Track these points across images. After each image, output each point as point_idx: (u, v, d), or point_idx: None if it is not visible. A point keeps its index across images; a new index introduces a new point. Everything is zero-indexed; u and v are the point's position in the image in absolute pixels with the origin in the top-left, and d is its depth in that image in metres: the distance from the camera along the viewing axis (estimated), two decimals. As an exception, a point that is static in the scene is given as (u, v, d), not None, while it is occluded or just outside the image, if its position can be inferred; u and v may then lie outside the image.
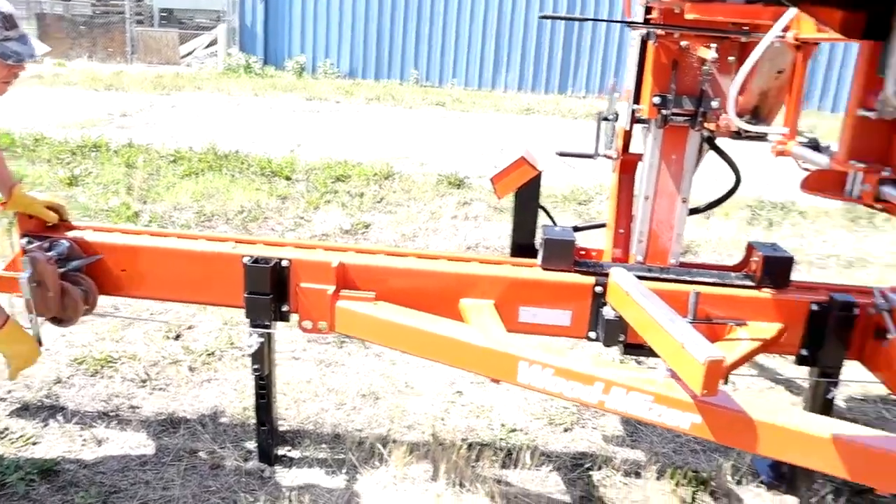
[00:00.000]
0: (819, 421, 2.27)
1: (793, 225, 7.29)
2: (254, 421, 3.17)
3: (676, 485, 3.13)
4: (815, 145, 2.30)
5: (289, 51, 17.79)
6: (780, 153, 2.42)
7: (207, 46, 19.58)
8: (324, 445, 3.26)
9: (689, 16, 2.45)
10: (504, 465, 3.20)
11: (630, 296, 2.56)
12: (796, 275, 5.89)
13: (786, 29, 2.33)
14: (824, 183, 2.11)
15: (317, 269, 2.83)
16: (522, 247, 3.07)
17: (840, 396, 4.01)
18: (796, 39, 2.29)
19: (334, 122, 11.83)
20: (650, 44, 2.76)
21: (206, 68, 17.77)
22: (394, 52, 17.71)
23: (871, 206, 2.02)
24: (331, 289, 2.79)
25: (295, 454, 3.19)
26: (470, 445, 3.25)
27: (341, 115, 12.60)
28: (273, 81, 15.68)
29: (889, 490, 2.32)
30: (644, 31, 2.73)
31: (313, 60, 17.75)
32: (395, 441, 3.27)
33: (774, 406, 2.37)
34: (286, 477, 3.03)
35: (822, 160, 2.16)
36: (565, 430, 3.52)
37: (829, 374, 2.87)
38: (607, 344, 2.79)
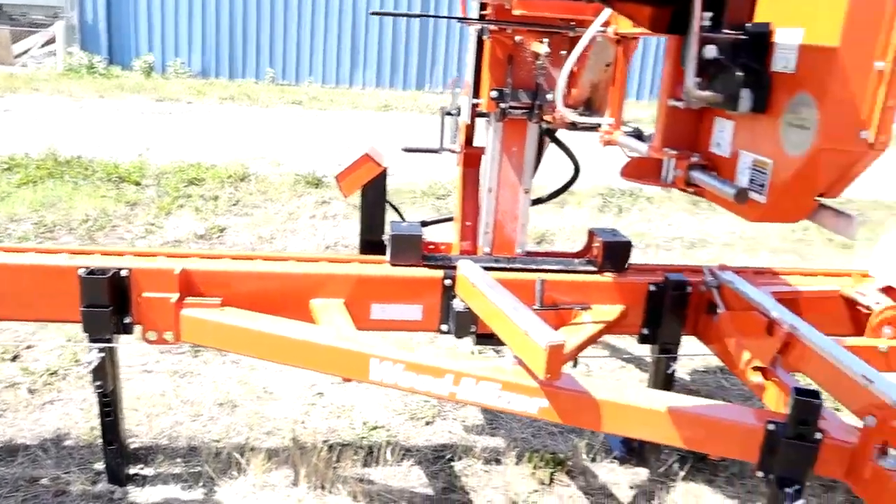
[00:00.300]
0: (657, 396, 2.40)
1: (640, 210, 7.65)
2: (101, 441, 3.01)
3: (535, 467, 3.22)
4: (638, 134, 2.42)
5: (136, 50, 16.96)
6: (607, 143, 2.54)
7: (44, 45, 18.39)
8: (179, 460, 3.14)
9: (516, 11, 2.51)
10: (366, 464, 3.19)
11: (477, 287, 2.60)
12: (646, 257, 6.23)
13: (606, 24, 2.43)
14: (642, 170, 2.22)
15: (158, 278, 2.72)
16: (371, 244, 3.07)
17: (684, 370, 4.26)
18: (616, 34, 2.39)
19: (186, 123, 11.40)
20: (486, 39, 2.81)
21: (44, 69, 16.69)
22: (248, 50, 17.26)
23: (684, 190, 2.15)
24: (174, 297, 2.68)
25: (148, 472, 3.05)
26: (331, 447, 3.22)
27: (194, 116, 12.16)
28: (119, 82, 14.92)
29: (719, 454, 2.48)
30: (478, 26, 2.78)
31: (163, 59, 17.02)
32: (253, 449, 3.20)
33: (616, 385, 2.49)
34: (139, 496, 2.90)
35: (643, 148, 2.28)
36: (427, 424, 3.54)
37: (668, 350, 3.03)
38: (458, 335, 2.82)
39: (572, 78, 2.83)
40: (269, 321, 2.62)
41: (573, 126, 2.85)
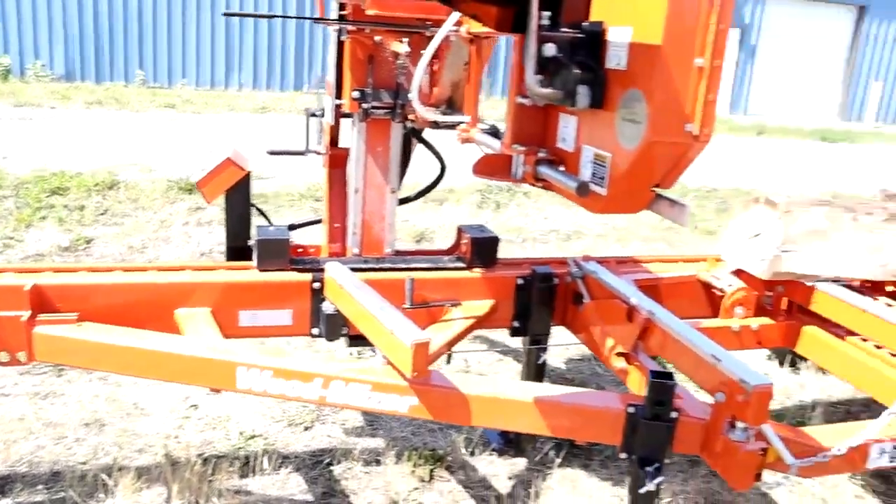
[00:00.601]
0: (524, 387, 2.44)
1: (518, 205, 7.81)
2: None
3: (415, 465, 3.23)
4: (494, 132, 2.47)
5: (-12, 51, 15.92)
6: (465, 140, 2.57)
7: None
8: (40, 487, 2.98)
9: (369, 11, 2.51)
10: (243, 475, 3.12)
11: (344, 289, 2.59)
12: (524, 251, 6.37)
13: (459, 24, 2.47)
14: (493, 166, 2.27)
15: (6, 295, 2.56)
16: (238, 250, 3.00)
17: (560, 359, 4.38)
18: (469, 34, 2.43)
19: (49, 129, 10.80)
20: (345, 40, 2.80)
21: None
22: (115, 52, 16.48)
23: (534, 185, 2.21)
24: (25, 314, 2.53)
25: (5, 502, 2.88)
26: (206, 460, 3.13)
27: (57, 121, 11.53)
28: (-29, 87, 14.01)
29: (586, 439, 2.56)
30: (337, 27, 2.76)
31: (21, 61, 16.00)
32: (122, 469, 3.06)
33: (484, 379, 2.52)
34: (-5, 529, 2.73)
35: (497, 145, 2.32)
36: (306, 429, 3.50)
37: (539, 342, 3.11)
38: (330, 338, 2.80)
39: (433, 77, 2.85)
40: (128, 335, 2.51)
41: (436, 125, 2.87)
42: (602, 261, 3.10)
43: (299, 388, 2.37)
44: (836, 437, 2.46)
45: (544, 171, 2.10)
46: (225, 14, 2.79)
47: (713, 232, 7.20)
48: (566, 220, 7.35)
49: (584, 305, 2.91)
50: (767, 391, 2.12)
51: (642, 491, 2.20)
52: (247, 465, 3.16)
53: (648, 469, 2.20)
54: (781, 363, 4.43)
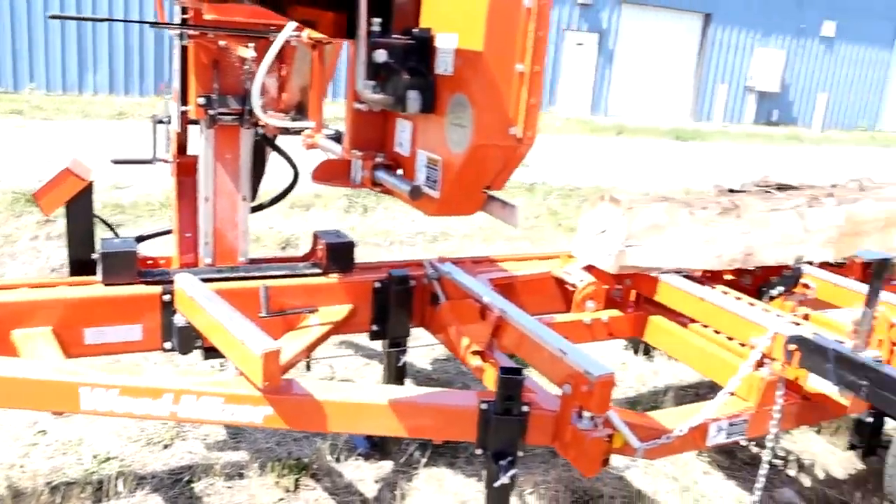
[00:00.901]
0: (380, 390, 2.46)
1: (385, 209, 7.82)
2: None
3: (279, 476, 3.18)
4: (338, 137, 2.47)
5: None
6: (310, 146, 2.56)
7: None
8: None
9: (207, 16, 2.46)
10: (96, 500, 2.98)
11: (195, 300, 2.52)
12: (391, 254, 6.39)
13: (301, 28, 2.46)
14: (332, 172, 2.27)
15: None
16: (82, 263, 2.86)
17: (425, 360, 4.42)
18: (310, 39, 2.42)
19: None
20: (188, 44, 2.73)
21: None
22: (-48, 55, 15.34)
23: (372, 189, 2.23)
24: None
25: None
26: (54, 488, 2.98)
27: None
28: None
29: (443, 438, 2.60)
30: (177, 31, 2.68)
31: None
32: (-42, 504, 2.87)
33: (340, 385, 2.52)
34: None
35: (339, 150, 2.33)
36: (165, 447, 3.38)
37: (398, 344, 3.13)
38: (183, 352, 2.72)
39: (282, 82, 2.83)
40: (-46, 360, 2.35)
41: (286, 132, 2.84)
42: (458, 262, 3.16)
43: (148, 406, 2.29)
44: (679, 419, 2.62)
45: (381, 175, 2.13)
46: (50, 16, 2.66)
47: (575, 229, 7.45)
48: (432, 222, 7.42)
49: (440, 306, 2.95)
50: (609, 380, 2.23)
51: (497, 485, 2.26)
52: (100, 490, 3.02)
53: (502, 463, 2.26)
54: (636, 352, 4.66)
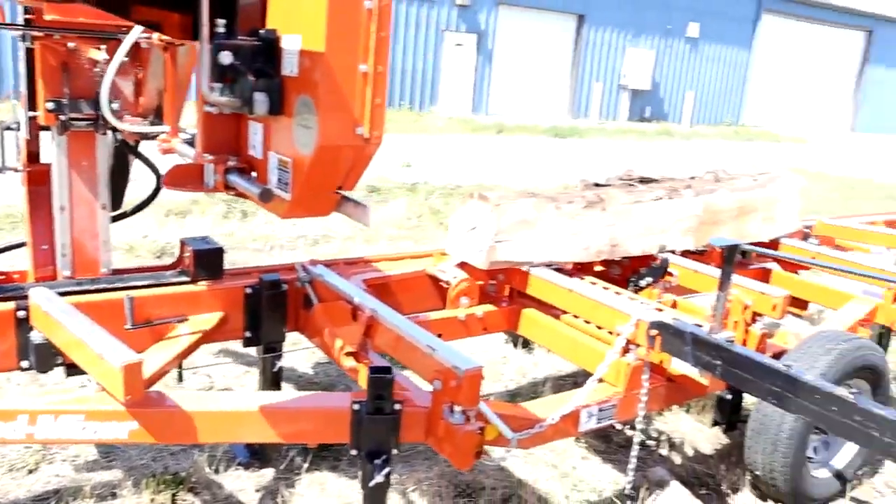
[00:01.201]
0: (250, 398, 2.43)
1: (265, 213, 7.64)
2: None
3: (154, 493, 3.07)
4: (193, 141, 2.41)
5: None
6: (166, 151, 2.50)
7: None
8: None
9: (47, 17, 2.36)
10: (-49, 533, 2.80)
11: (51, 315, 2.41)
12: (272, 258, 6.28)
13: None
14: (185, 177, 2.23)
15: None
16: (-75, 282, 2.68)
17: (307, 364, 4.38)
18: (161, 40, 2.36)
19: None
20: (33, 46, 2.60)
21: None
22: None
23: (227, 193, 2.20)
24: None
25: None
26: None
27: None
28: None
29: (317, 441, 2.59)
30: (19, 32, 2.55)
31: None
32: None
33: (210, 394, 2.47)
34: None
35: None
36: (30, 472, 3.20)
37: (273, 350, 3.09)
38: (41, 370, 2.59)
39: (138, 86, 2.74)
40: None
41: (146, 137, 2.76)
42: (331, 264, 3.15)
43: (1, 429, 2.17)
44: (551, 408, 2.70)
45: (233, 179, 2.10)
46: None
47: (456, 227, 7.55)
48: (314, 225, 7.34)
49: (313, 309, 2.93)
50: (478, 374, 2.27)
51: (372, 484, 2.26)
52: (-47, 522, 2.84)
53: (377, 462, 2.27)
54: (516, 345, 4.76)
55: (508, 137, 17.57)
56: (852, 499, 3.46)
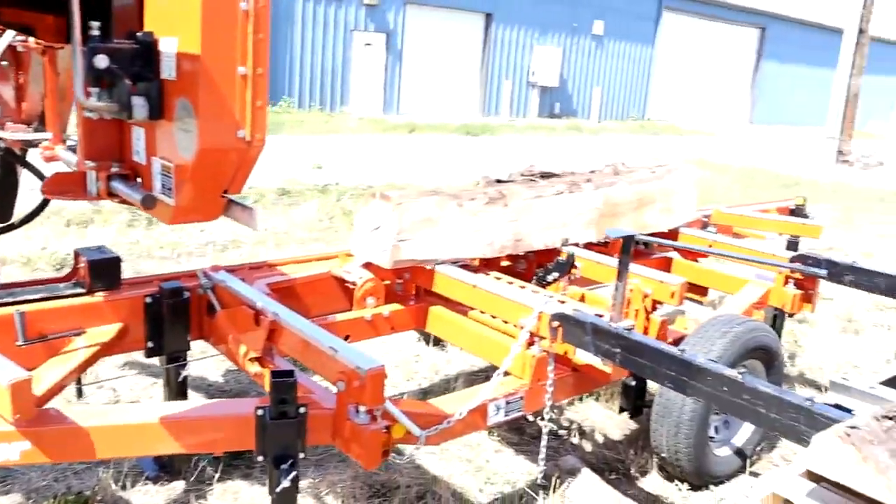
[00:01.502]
0: (151, 409, 2.38)
1: (172, 220, 7.50)
2: None
3: (56, 514, 2.98)
4: (76, 149, 2.35)
5: None
6: (49, 158, 2.42)
7: None
8: None
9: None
10: None
11: (-69, 335, 2.30)
12: (179, 266, 6.13)
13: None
14: (65, 185, 2.16)
15: None
16: None
17: (217, 372, 4.30)
18: (38, 43, 2.28)
19: None
20: None
21: None
22: None
23: (111, 200, 2.15)
24: None
25: None
26: None
27: None
28: None
29: (223, 449, 2.55)
30: None
31: None
32: None
33: (107, 408, 2.40)
34: None
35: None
36: (-82, 500, 3.05)
37: (178, 359, 3.02)
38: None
39: (20, 91, 2.64)
40: None
41: (32, 145, 2.66)
42: (234, 269, 3.11)
43: None
44: (459, 403, 2.74)
45: (116, 185, 2.05)
46: None
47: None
48: (223, 230, 7.21)
49: (216, 316, 2.89)
50: (380, 373, 2.28)
51: (279, 489, 2.25)
52: None
53: (283, 467, 2.26)
54: (428, 342, 4.79)
55: (420, 136, 17.63)
56: (752, 473, 3.62)
